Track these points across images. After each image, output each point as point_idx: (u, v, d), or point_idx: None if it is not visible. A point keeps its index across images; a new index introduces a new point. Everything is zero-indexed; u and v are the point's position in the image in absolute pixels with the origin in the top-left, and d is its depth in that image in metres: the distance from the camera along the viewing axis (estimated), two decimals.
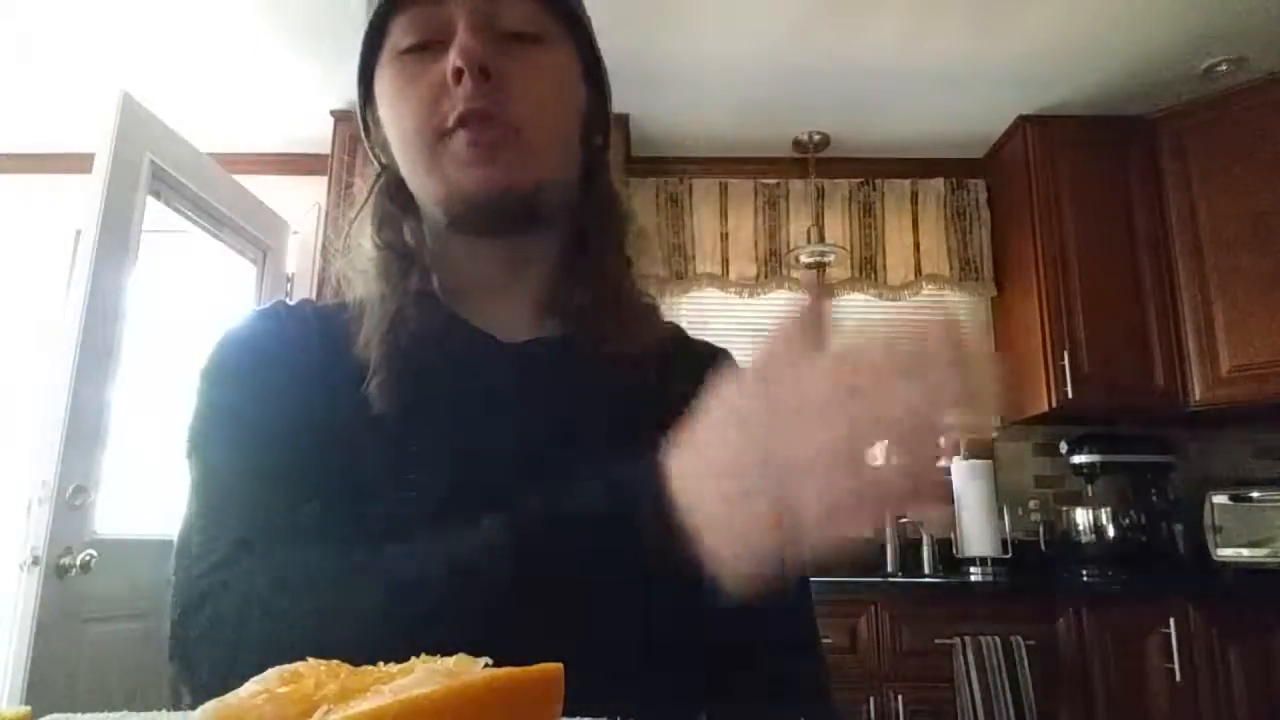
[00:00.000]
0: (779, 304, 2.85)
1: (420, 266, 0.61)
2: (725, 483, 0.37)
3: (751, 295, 2.84)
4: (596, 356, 0.59)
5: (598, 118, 0.65)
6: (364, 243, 0.63)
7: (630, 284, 0.65)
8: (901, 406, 0.34)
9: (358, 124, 0.65)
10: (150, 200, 2.07)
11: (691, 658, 0.55)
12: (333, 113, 2.62)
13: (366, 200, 0.64)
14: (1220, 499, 2.42)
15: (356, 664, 0.28)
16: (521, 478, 0.52)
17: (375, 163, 0.65)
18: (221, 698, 0.26)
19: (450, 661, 0.27)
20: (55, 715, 0.34)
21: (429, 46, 0.56)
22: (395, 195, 0.62)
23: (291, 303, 0.64)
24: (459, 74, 0.53)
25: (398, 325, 0.57)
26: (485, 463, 0.54)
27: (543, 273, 0.63)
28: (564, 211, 0.63)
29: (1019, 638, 2.04)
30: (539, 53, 0.58)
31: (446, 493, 0.53)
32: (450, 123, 0.54)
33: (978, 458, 2.71)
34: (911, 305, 2.85)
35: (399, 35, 0.57)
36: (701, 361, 0.66)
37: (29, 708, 0.31)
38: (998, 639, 2.04)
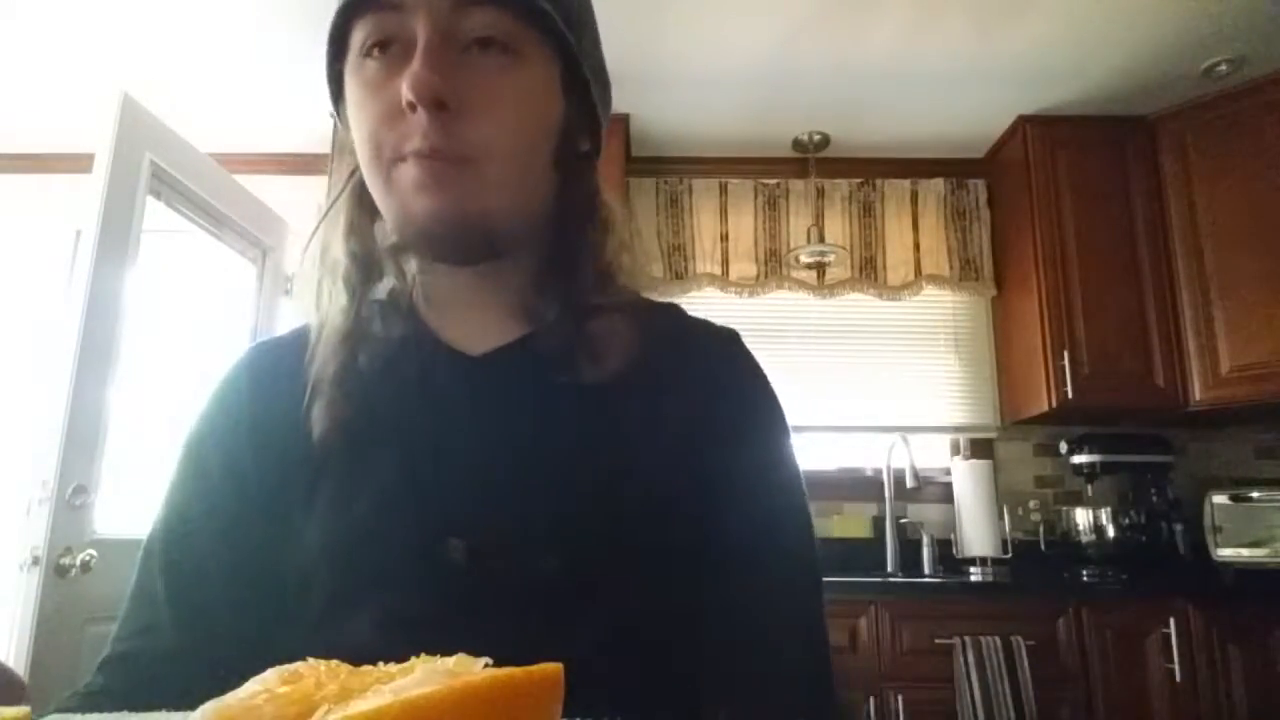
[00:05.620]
0: (779, 304, 2.86)
1: (385, 277, 0.61)
2: None
3: (751, 295, 2.84)
4: (560, 366, 0.57)
5: (581, 127, 0.61)
6: (333, 247, 0.61)
7: (609, 293, 0.61)
8: None
9: (334, 119, 0.63)
10: (150, 200, 2.07)
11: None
12: (332, 113, 2.61)
13: (335, 201, 0.63)
14: (1220, 499, 2.42)
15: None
16: (477, 496, 0.54)
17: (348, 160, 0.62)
18: (221, 698, 0.25)
19: (450, 661, 0.27)
20: (55, 715, 0.34)
21: (389, 46, 0.53)
22: (365, 198, 0.60)
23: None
24: (411, 106, 0.50)
25: (350, 345, 0.57)
26: (433, 484, 0.54)
27: (516, 286, 0.61)
28: (535, 229, 0.60)
29: (1019, 638, 2.04)
30: (506, 67, 0.53)
31: (393, 516, 0.54)
32: (403, 151, 0.52)
33: (978, 458, 2.71)
34: (911, 305, 2.86)
35: (360, 37, 0.54)
36: (707, 356, 0.63)
37: (28, 708, 0.31)
38: (998, 639, 2.03)
